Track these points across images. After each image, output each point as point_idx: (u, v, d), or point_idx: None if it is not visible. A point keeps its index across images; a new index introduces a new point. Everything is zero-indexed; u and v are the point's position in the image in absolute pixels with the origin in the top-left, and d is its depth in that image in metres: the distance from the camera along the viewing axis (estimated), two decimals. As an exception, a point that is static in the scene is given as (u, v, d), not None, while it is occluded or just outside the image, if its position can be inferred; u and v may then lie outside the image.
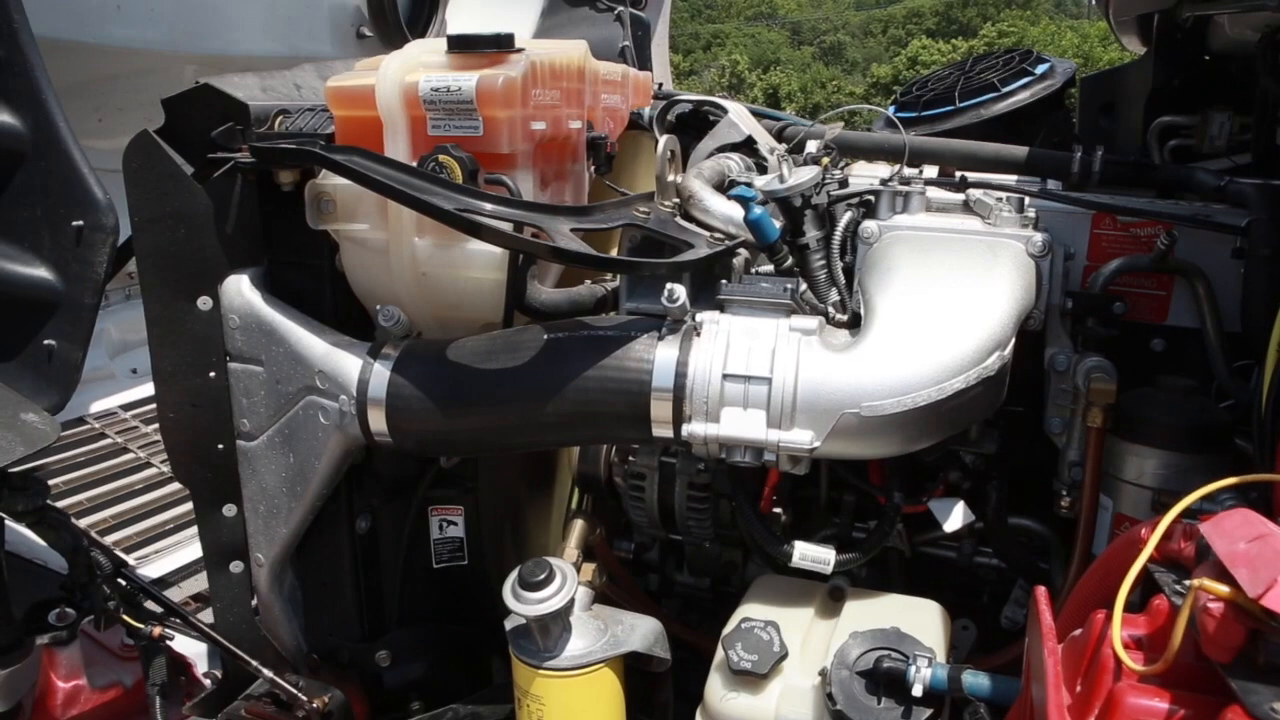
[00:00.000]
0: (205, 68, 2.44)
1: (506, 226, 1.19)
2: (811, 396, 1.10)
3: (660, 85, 2.02)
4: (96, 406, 2.35)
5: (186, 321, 1.41)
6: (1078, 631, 0.79)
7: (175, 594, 1.89)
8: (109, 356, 2.47)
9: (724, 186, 1.60)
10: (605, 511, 1.63)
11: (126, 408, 2.38)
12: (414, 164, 1.28)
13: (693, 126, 1.85)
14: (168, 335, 1.41)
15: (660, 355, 1.16)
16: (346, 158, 1.25)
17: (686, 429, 1.14)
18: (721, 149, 1.75)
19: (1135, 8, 2.09)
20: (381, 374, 1.28)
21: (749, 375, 1.12)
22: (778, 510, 1.47)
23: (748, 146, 1.74)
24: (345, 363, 1.32)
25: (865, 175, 1.58)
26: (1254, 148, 1.88)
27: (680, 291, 1.16)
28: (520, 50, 1.29)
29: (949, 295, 1.14)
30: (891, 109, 2.44)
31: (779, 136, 1.92)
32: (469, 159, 1.25)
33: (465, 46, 1.28)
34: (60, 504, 2.08)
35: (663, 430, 1.17)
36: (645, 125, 1.92)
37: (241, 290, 1.40)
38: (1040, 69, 2.24)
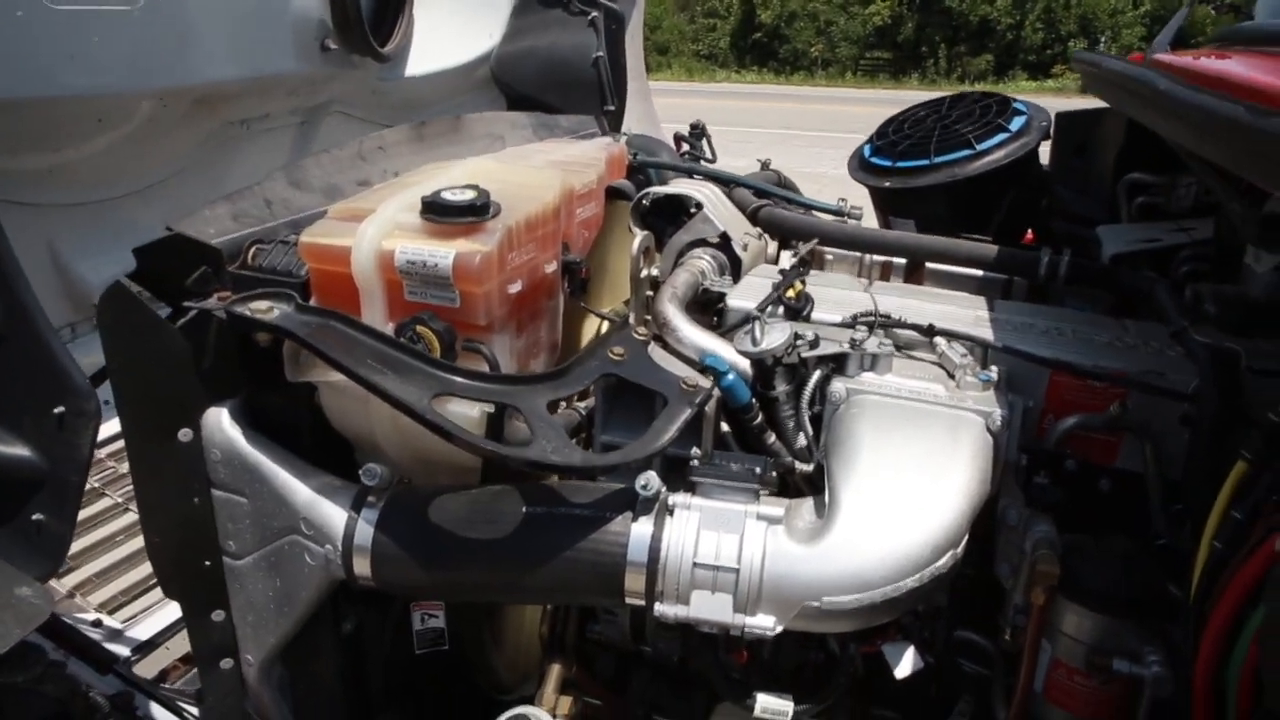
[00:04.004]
0: (167, 99, 2.37)
1: (475, 421, 1.23)
2: (775, 587, 1.17)
3: (635, 155, 2.00)
4: (71, 446, 2.36)
5: (168, 454, 1.43)
6: None
7: (164, 656, 1.96)
8: (81, 388, 2.47)
9: (699, 295, 1.63)
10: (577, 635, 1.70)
11: (100, 445, 2.39)
12: (391, 327, 1.30)
13: (667, 211, 1.85)
14: (150, 468, 1.44)
15: (635, 533, 1.21)
16: (322, 326, 1.26)
17: (658, 608, 1.21)
18: (695, 244, 1.77)
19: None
20: (366, 528, 1.33)
21: (718, 565, 1.18)
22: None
23: (723, 242, 1.76)
24: (330, 513, 1.36)
25: (833, 299, 1.59)
26: (1217, 231, 1.92)
27: (654, 482, 1.20)
28: (496, 214, 1.29)
29: (908, 493, 1.19)
30: (866, 149, 2.44)
31: (753, 219, 1.93)
32: (446, 330, 1.27)
33: (440, 213, 1.27)
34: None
35: (635, 600, 1.23)
36: (624, 195, 1.92)
37: (222, 425, 1.42)
38: (1015, 124, 2.24)
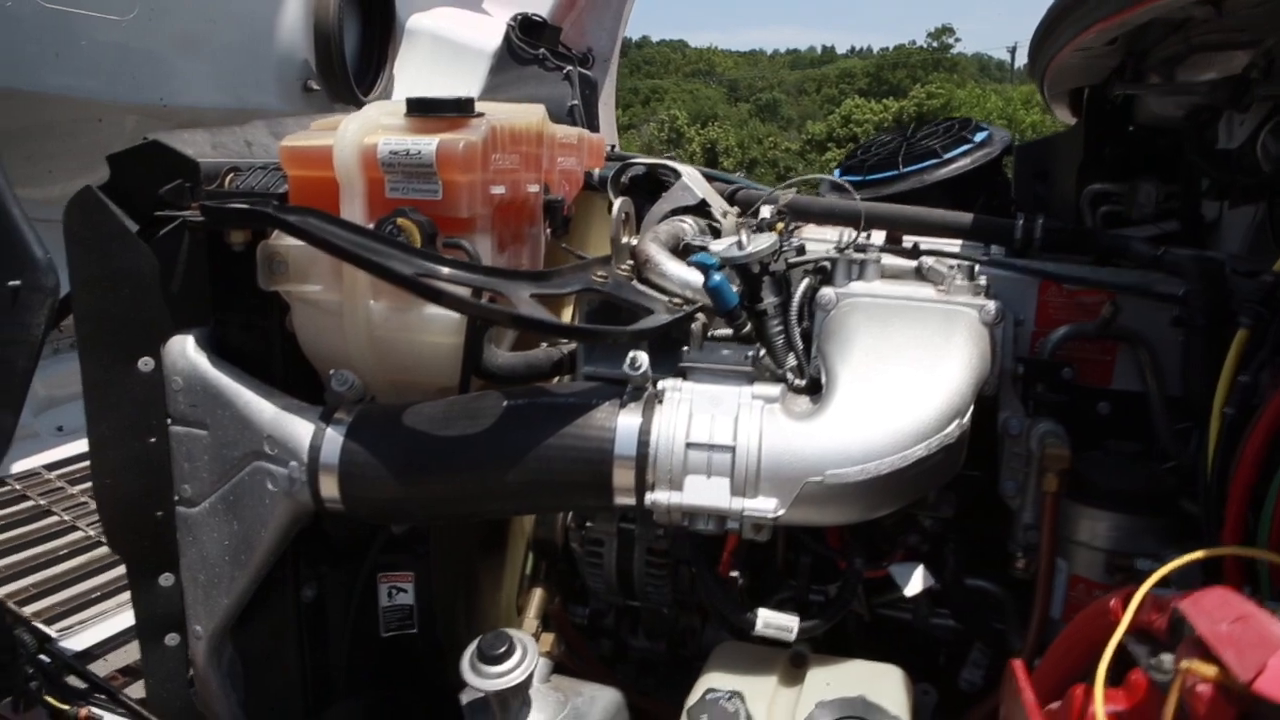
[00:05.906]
0: (147, 118, 2.39)
1: (465, 292, 1.18)
2: (775, 464, 1.10)
3: (613, 147, 2.04)
4: (18, 467, 2.24)
5: (126, 384, 1.35)
6: (1055, 705, 0.79)
7: (102, 667, 1.79)
8: (33, 414, 2.36)
9: (679, 250, 1.61)
10: (560, 576, 1.60)
11: (51, 468, 2.27)
12: (370, 226, 1.27)
13: (646, 189, 1.86)
14: (106, 398, 1.36)
15: (622, 422, 1.14)
16: (301, 219, 1.22)
17: (650, 497, 1.13)
18: (675, 211, 1.77)
19: (1068, 83, 2.19)
20: (335, 439, 1.24)
21: (712, 444, 1.11)
22: (734, 574, 1.45)
23: (702, 209, 1.76)
24: (296, 427, 1.28)
25: (815, 238, 1.61)
26: (1182, 219, 1.97)
27: (643, 359, 1.15)
28: (480, 114, 1.29)
29: (909, 364, 1.15)
30: (837, 172, 2.51)
31: (730, 200, 1.95)
32: (428, 223, 1.23)
33: (425, 110, 1.27)
34: (-23, 572, 1.97)
35: (624, 498, 1.15)
36: (597, 186, 1.93)
37: (186, 351, 1.36)
38: (979, 137, 2.33)
